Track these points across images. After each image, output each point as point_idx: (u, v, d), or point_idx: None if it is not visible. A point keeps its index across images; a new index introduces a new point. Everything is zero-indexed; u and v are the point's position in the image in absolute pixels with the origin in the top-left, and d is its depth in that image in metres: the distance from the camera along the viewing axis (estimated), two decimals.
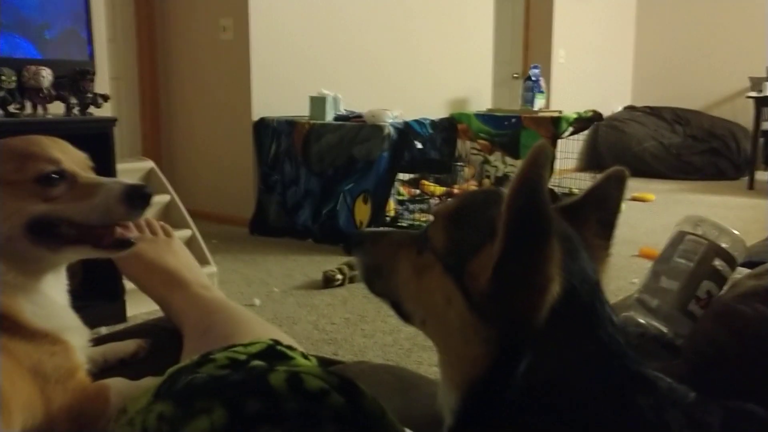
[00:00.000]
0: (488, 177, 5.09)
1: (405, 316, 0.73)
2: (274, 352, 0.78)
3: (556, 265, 0.60)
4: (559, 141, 4.81)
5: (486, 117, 5.13)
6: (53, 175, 0.89)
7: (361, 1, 4.75)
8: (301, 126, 3.96)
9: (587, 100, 6.40)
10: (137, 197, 0.89)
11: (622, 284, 2.97)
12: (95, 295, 2.55)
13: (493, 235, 0.61)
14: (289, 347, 0.80)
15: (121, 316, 2.70)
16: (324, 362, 1.08)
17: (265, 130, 4.13)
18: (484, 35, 6.00)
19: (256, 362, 0.73)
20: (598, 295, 0.66)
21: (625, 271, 3.28)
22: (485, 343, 0.63)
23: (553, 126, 4.75)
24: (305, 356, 0.82)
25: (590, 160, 7.11)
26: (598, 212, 0.74)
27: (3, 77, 2.76)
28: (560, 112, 5.12)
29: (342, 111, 4.14)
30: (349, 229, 3.76)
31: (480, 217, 0.66)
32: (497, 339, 0.63)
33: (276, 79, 4.24)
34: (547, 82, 6.03)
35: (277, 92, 4.26)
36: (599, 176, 0.75)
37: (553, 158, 4.68)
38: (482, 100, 5.90)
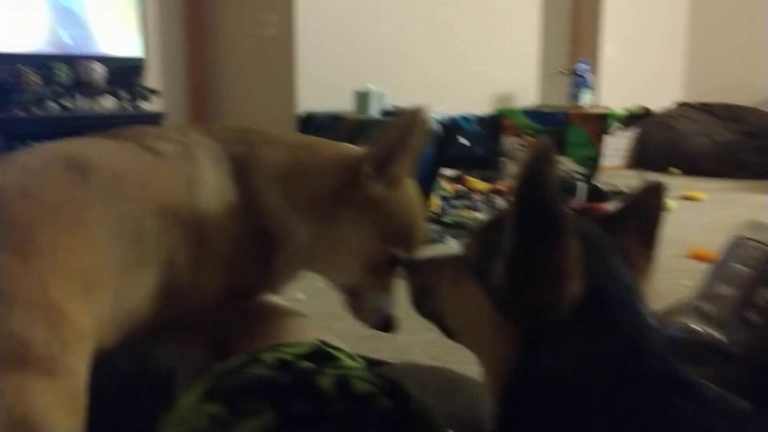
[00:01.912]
0: None
1: (448, 331, 0.76)
2: (321, 353, 0.78)
3: (575, 262, 0.61)
4: (607, 138, 4.72)
5: (532, 113, 5.07)
6: (397, 263, 0.96)
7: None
8: (346, 121, 3.97)
9: (636, 95, 6.26)
10: (381, 329, 1.04)
11: (672, 284, 2.90)
12: None
13: None
14: (336, 348, 0.80)
15: None
16: (369, 362, 1.08)
17: (310, 125, 4.15)
18: (531, 29, 5.93)
19: (304, 363, 0.74)
20: (631, 297, 0.66)
21: (674, 272, 3.20)
22: (512, 343, 0.64)
23: (601, 122, 4.66)
24: (352, 357, 0.82)
25: (638, 158, 6.96)
26: (639, 222, 0.74)
27: (57, 72, 2.84)
28: (608, 108, 5.02)
29: (386, 106, 4.13)
30: None
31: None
32: (522, 337, 0.64)
33: (321, 73, 4.26)
34: (595, 77, 5.92)
35: (322, 87, 4.27)
36: (637, 188, 0.76)
37: (597, 156, 4.61)
38: (528, 96, 5.83)
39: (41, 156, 0.82)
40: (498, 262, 0.63)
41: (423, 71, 4.87)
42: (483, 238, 0.71)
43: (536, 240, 0.61)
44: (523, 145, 5.05)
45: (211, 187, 0.87)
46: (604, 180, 4.96)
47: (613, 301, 0.64)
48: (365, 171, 0.93)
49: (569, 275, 0.61)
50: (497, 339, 0.65)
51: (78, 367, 0.72)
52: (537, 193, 0.60)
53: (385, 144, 0.95)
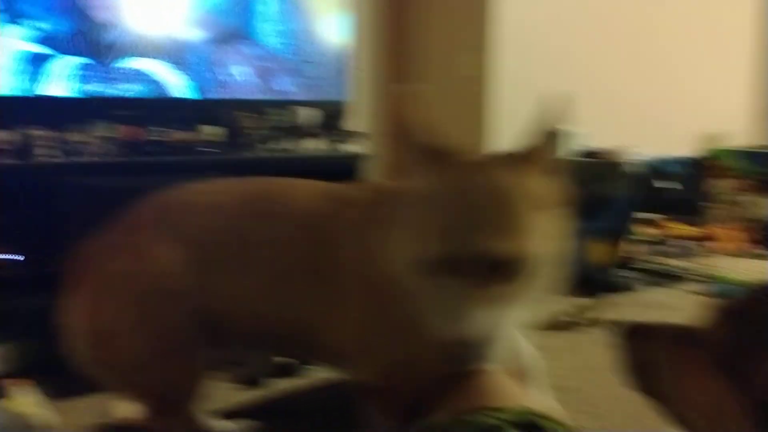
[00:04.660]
0: (745, 220, 4.60)
1: (674, 419, 0.65)
2: (530, 424, 0.72)
3: None
4: None
5: (747, 153, 4.65)
6: None
7: (604, 32, 4.61)
8: None
9: None
10: None
11: None
12: None
13: None
14: (544, 416, 0.74)
15: None
16: None
17: None
18: (744, 61, 5.46)
19: (512, 431, 0.69)
20: None
21: None
22: None
23: None
24: (561, 424, 0.76)
25: None
26: None
27: (273, 116, 3.14)
28: None
29: (579, 147, 4.03)
30: (584, 269, 3.63)
31: None
32: None
33: (513, 114, 4.26)
34: None
35: (514, 127, 4.26)
36: None
37: None
38: (742, 135, 5.36)
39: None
40: (758, 367, 0.54)
41: (624, 110, 4.68)
42: (739, 323, 0.58)
43: None
44: (734, 189, 4.65)
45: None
46: None
47: None
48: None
49: None
50: None
51: None
52: None
53: None
